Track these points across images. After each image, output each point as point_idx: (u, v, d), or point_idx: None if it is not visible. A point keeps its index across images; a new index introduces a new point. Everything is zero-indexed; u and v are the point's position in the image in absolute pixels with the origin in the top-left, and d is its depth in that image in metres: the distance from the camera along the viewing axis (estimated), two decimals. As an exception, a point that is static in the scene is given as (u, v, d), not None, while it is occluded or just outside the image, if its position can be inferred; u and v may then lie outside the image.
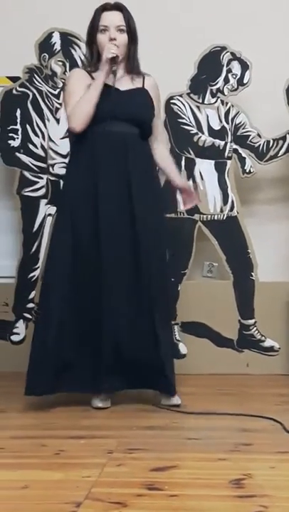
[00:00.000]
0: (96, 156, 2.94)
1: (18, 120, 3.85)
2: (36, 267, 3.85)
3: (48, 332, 2.89)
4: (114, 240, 2.88)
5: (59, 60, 3.83)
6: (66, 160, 3.83)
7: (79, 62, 3.81)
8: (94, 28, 2.99)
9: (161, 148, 3.18)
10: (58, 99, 3.84)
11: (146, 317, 2.88)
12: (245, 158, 3.82)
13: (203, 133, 3.81)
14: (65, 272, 2.91)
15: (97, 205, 2.90)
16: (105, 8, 2.99)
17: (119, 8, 2.99)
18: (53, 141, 3.86)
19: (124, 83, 3.01)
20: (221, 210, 3.79)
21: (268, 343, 3.80)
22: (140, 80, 3.06)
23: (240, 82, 3.81)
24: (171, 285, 3.52)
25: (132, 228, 2.91)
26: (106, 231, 2.88)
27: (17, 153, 3.86)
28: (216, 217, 3.80)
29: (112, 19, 2.96)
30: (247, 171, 3.83)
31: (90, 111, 2.89)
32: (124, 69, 3.04)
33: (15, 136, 3.85)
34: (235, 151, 3.80)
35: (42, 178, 3.86)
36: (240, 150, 3.82)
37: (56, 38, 3.83)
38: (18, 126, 3.85)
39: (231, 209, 3.82)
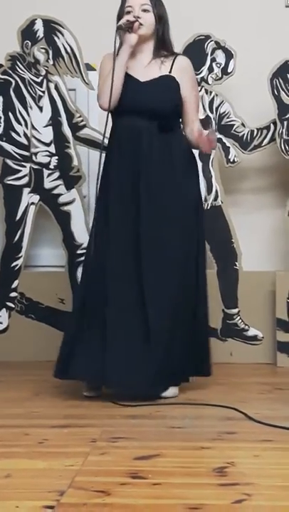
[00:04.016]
0: (113, 150, 2.93)
1: (1, 108, 3.82)
2: (19, 255, 3.82)
3: None
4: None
5: (42, 48, 3.80)
6: (49, 148, 3.82)
7: (62, 50, 3.78)
8: (122, 11, 2.94)
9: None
10: (41, 86, 3.81)
11: None
12: (229, 147, 3.82)
13: (187, 122, 3.80)
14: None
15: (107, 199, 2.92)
16: None
17: None
18: (36, 129, 3.83)
19: (148, 72, 2.93)
20: (205, 200, 3.78)
21: (252, 332, 3.81)
22: (169, 63, 2.95)
23: (225, 71, 3.81)
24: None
25: (138, 242, 2.88)
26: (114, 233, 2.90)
27: (-1, 142, 3.84)
28: (200, 207, 3.79)
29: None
30: (231, 160, 3.83)
31: (114, 87, 2.84)
32: (152, 52, 2.96)
33: (-3, 124, 3.82)
34: (220, 140, 3.79)
35: (25, 167, 3.83)
36: (225, 139, 3.82)
37: (39, 25, 3.79)
38: (1, 114, 3.82)
39: (215, 198, 3.82)
